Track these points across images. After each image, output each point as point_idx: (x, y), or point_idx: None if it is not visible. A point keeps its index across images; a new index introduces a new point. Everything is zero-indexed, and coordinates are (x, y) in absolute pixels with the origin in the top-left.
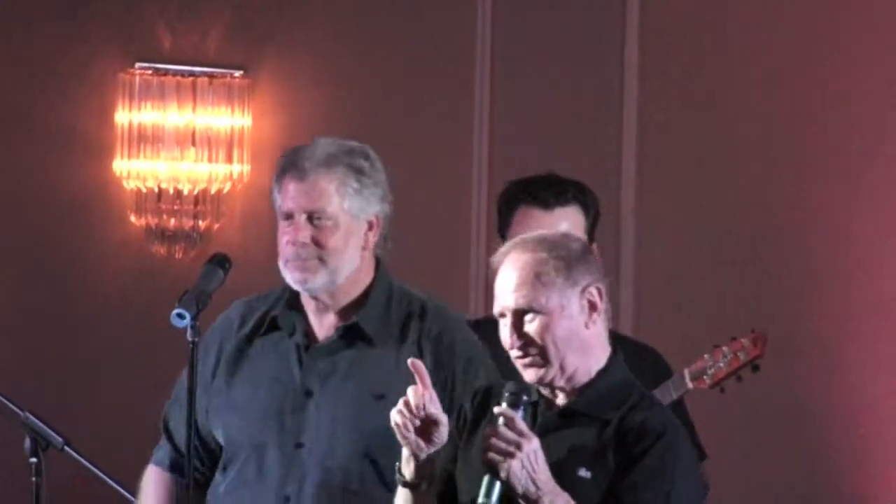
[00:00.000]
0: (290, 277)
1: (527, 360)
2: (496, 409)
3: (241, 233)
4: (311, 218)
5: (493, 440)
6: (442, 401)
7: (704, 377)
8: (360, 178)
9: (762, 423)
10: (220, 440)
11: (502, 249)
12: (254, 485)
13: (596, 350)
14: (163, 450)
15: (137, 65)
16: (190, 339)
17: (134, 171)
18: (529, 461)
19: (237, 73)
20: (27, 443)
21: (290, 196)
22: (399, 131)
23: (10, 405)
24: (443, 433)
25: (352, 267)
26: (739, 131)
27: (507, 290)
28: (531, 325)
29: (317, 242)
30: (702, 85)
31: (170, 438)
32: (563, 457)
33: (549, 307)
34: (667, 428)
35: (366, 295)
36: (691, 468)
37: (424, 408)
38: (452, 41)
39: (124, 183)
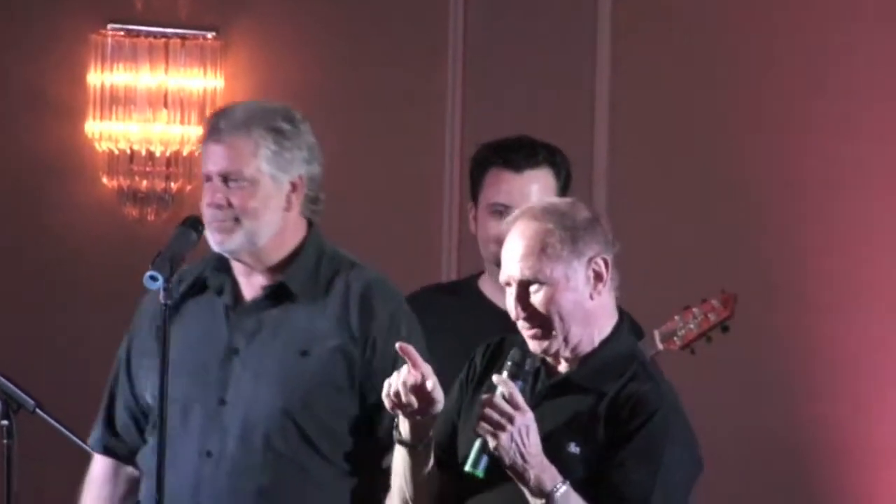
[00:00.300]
0: (210, 239)
1: (532, 331)
2: (495, 378)
3: None
4: (227, 180)
5: (487, 411)
6: (366, 356)
7: (675, 338)
8: (279, 140)
9: (732, 383)
10: (149, 399)
11: (510, 218)
12: (177, 440)
13: (601, 320)
14: (97, 431)
15: (109, 26)
16: (163, 301)
17: (106, 132)
18: (520, 435)
19: (209, 35)
20: None
21: (208, 158)
22: (371, 93)
23: None
24: (437, 407)
25: (272, 228)
26: (710, 98)
27: (513, 260)
28: (536, 297)
29: (233, 204)
30: (673, 52)
31: (109, 420)
32: (555, 428)
33: (553, 278)
34: (661, 406)
35: (295, 255)
36: (684, 447)
37: (418, 386)
38: (426, 3)
39: (96, 145)
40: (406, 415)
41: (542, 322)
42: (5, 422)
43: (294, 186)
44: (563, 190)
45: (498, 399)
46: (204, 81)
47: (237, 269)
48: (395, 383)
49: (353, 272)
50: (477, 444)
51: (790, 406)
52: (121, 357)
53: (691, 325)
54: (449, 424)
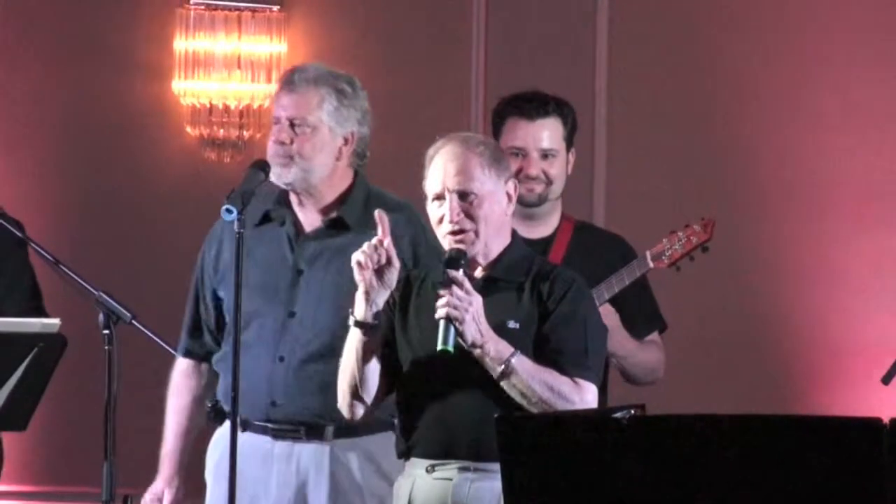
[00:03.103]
0: (272, 173)
1: (460, 235)
2: (449, 272)
3: None
4: (293, 124)
5: (451, 298)
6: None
7: (663, 258)
8: (340, 99)
9: (713, 297)
10: (225, 312)
11: (437, 144)
12: (253, 348)
13: (506, 234)
14: (183, 340)
15: (192, 0)
16: (237, 230)
17: (189, 90)
18: (477, 314)
19: (275, 8)
20: (101, 317)
21: (280, 104)
22: (408, 56)
23: (87, 286)
24: (393, 276)
25: (324, 170)
26: (704, 47)
27: (450, 175)
28: (470, 206)
29: (294, 143)
30: (665, 12)
31: (189, 330)
32: (493, 313)
33: (484, 191)
34: (574, 279)
35: (346, 195)
36: (596, 310)
37: (385, 250)
38: None
39: (181, 100)
40: (369, 283)
41: (472, 227)
42: (106, 331)
43: (346, 140)
44: (570, 135)
45: (456, 289)
46: (270, 47)
47: (296, 204)
48: (366, 246)
49: (400, 210)
50: (442, 325)
51: (766, 316)
52: (197, 277)
53: (676, 247)
54: (384, 338)
